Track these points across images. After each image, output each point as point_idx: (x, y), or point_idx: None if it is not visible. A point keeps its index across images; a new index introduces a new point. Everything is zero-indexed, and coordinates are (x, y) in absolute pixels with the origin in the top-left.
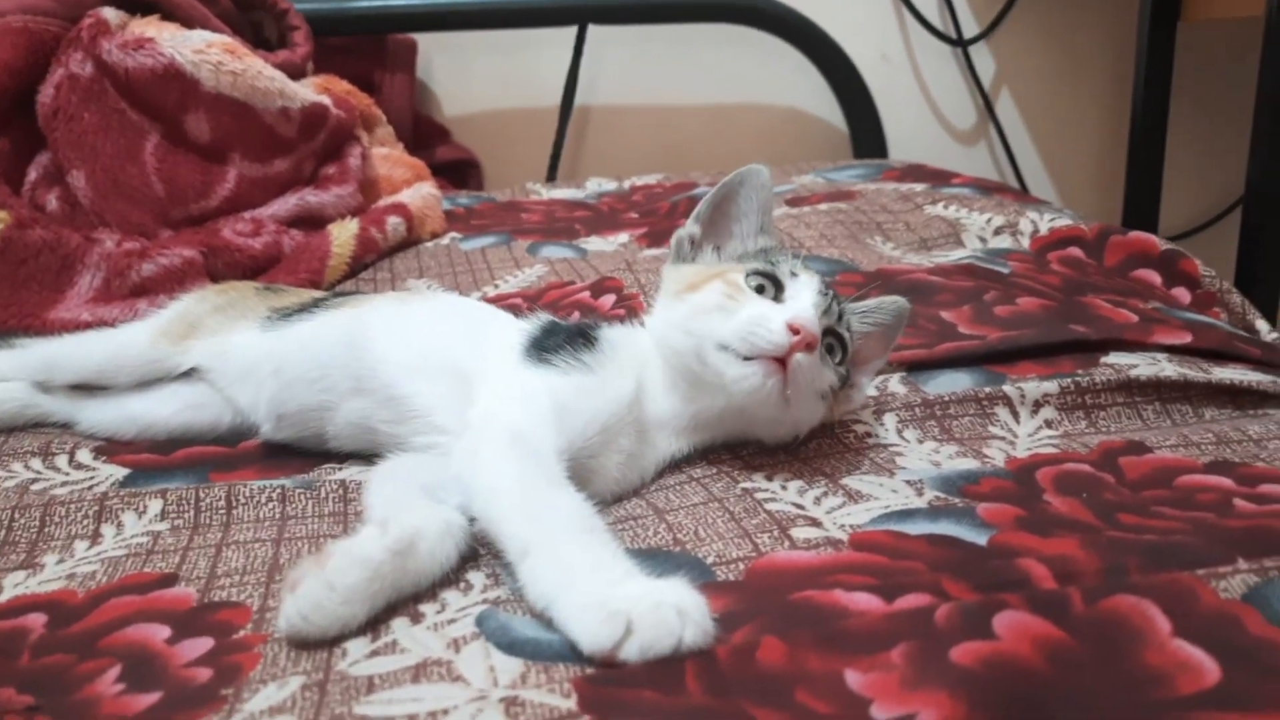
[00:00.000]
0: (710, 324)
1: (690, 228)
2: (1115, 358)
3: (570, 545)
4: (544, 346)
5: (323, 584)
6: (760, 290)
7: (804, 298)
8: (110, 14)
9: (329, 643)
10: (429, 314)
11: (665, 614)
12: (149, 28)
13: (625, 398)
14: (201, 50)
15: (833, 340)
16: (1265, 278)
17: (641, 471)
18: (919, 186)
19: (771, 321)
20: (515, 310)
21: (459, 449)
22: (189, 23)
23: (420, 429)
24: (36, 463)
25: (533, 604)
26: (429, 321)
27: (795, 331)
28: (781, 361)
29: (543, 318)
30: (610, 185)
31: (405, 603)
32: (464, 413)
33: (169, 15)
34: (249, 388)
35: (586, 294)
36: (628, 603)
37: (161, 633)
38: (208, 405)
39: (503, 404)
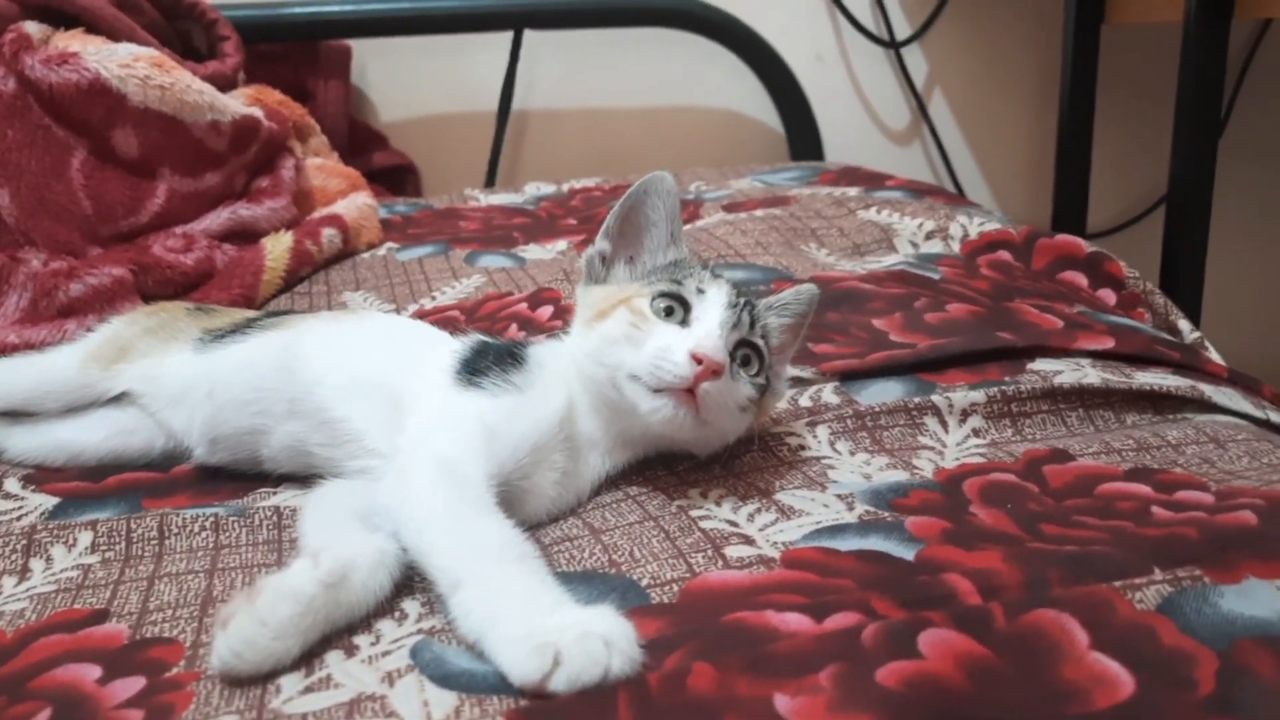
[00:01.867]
0: (619, 355)
1: (599, 244)
2: (1041, 364)
3: (499, 577)
4: (473, 368)
5: (254, 620)
6: (669, 312)
7: (710, 318)
8: (33, 28)
9: (262, 679)
10: (362, 335)
11: (592, 644)
12: (73, 41)
13: (555, 417)
14: (128, 64)
15: (748, 351)
16: (1187, 270)
17: (578, 490)
18: (853, 191)
19: (675, 354)
20: (452, 325)
21: (388, 479)
22: (114, 35)
23: (354, 453)
24: None
25: (464, 637)
26: (362, 343)
27: (699, 361)
28: (690, 391)
29: (473, 338)
30: (549, 189)
31: (340, 634)
32: (396, 437)
33: (93, 28)
34: (182, 411)
35: (524, 305)
36: (556, 634)
37: (92, 673)
38: (139, 430)
39: (431, 431)
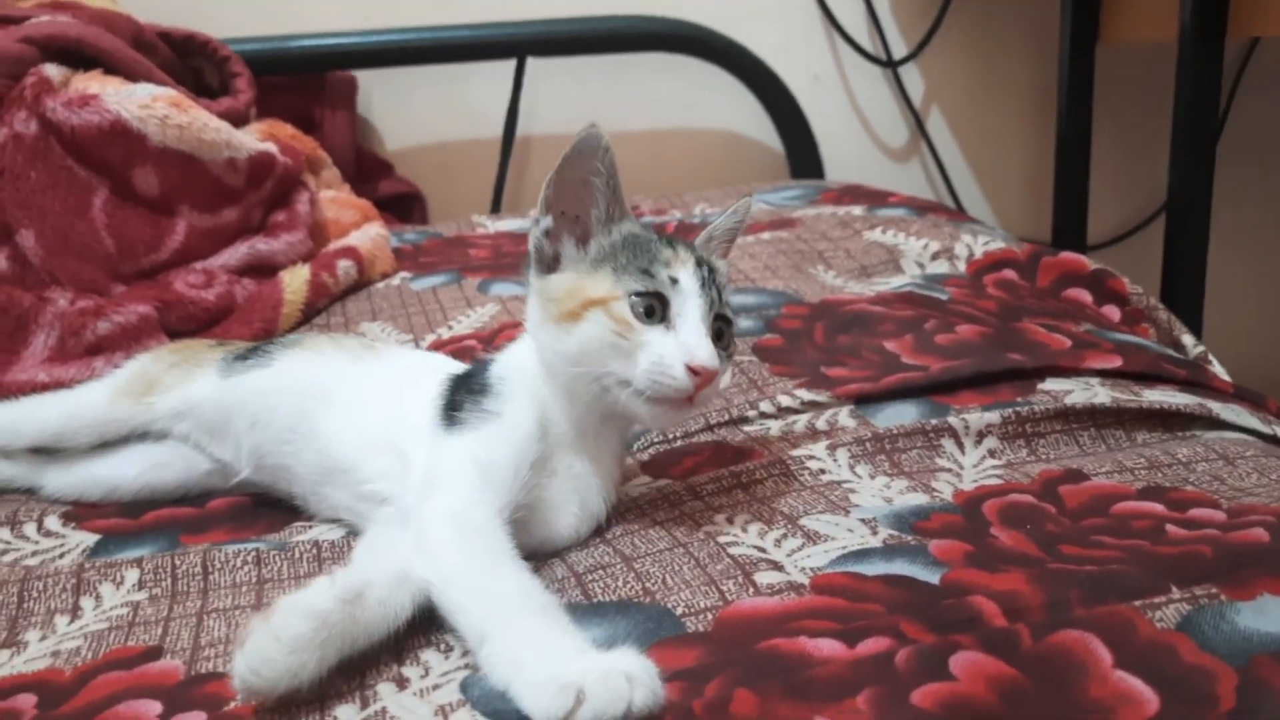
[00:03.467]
0: (607, 363)
1: (541, 221)
2: (1051, 384)
3: (521, 629)
4: (453, 405)
5: (269, 636)
6: (649, 312)
7: (692, 315)
8: (53, 71)
9: (319, 711)
10: (376, 380)
11: (614, 681)
12: (92, 83)
13: (533, 428)
14: (147, 105)
15: (721, 324)
16: (1188, 278)
17: (601, 486)
18: (856, 210)
19: (673, 370)
20: (470, 355)
21: (406, 540)
22: (132, 76)
23: (377, 506)
24: (5, 532)
25: (494, 687)
26: (374, 393)
27: (696, 372)
28: (690, 399)
29: (447, 374)
30: None
31: (386, 665)
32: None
33: (112, 69)
34: (227, 441)
35: None
36: (579, 674)
37: (153, 708)
38: (172, 463)
39: (433, 483)
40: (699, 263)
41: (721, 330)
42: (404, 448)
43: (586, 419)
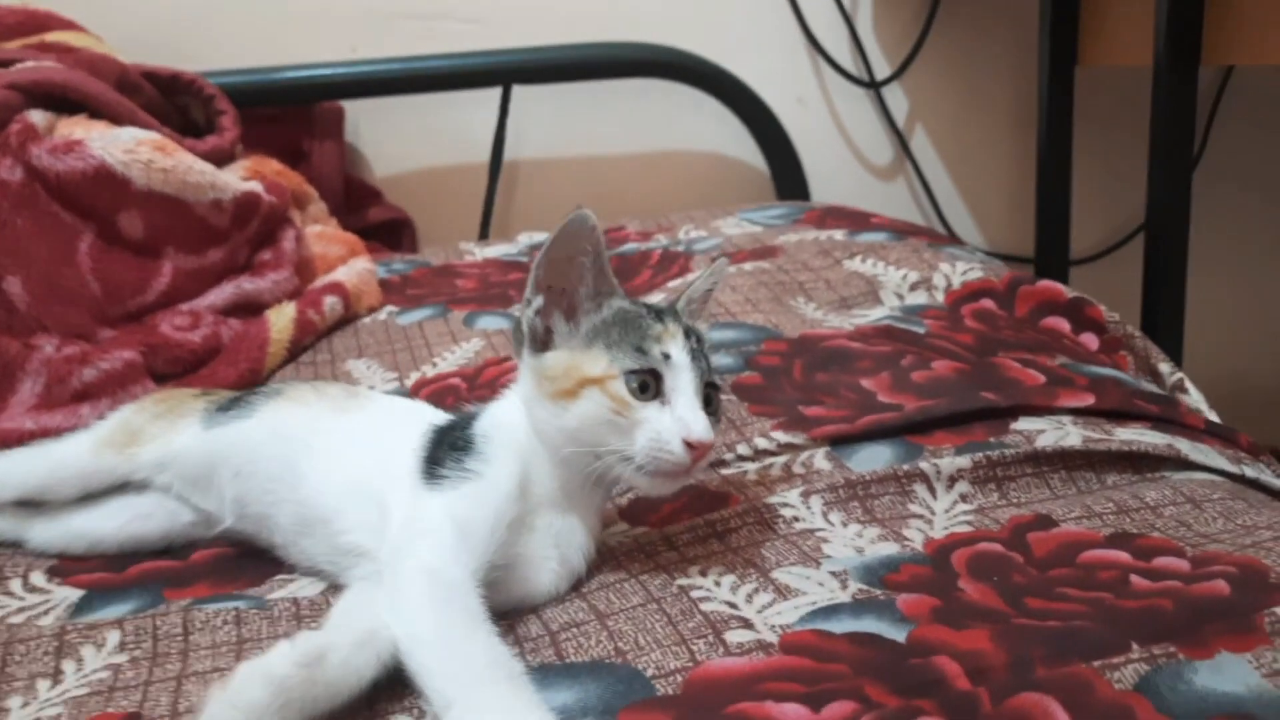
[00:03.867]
0: (606, 440)
1: (534, 301)
2: (1024, 423)
3: (487, 698)
4: (434, 460)
5: (225, 704)
6: (644, 388)
7: (686, 389)
8: (38, 117)
9: None
10: (355, 435)
11: None
12: (77, 128)
13: (513, 489)
14: (131, 149)
15: (709, 391)
16: (1167, 294)
17: (580, 543)
18: (839, 235)
19: (672, 446)
20: (454, 394)
21: (381, 596)
22: (117, 120)
23: (355, 559)
24: None
25: None
26: (356, 446)
27: (693, 447)
28: (688, 471)
29: (429, 426)
30: (541, 237)
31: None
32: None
33: (96, 113)
34: (211, 492)
35: None
36: None
37: None
38: (154, 514)
39: (410, 539)
40: (688, 333)
41: (710, 396)
42: (383, 500)
43: (573, 481)
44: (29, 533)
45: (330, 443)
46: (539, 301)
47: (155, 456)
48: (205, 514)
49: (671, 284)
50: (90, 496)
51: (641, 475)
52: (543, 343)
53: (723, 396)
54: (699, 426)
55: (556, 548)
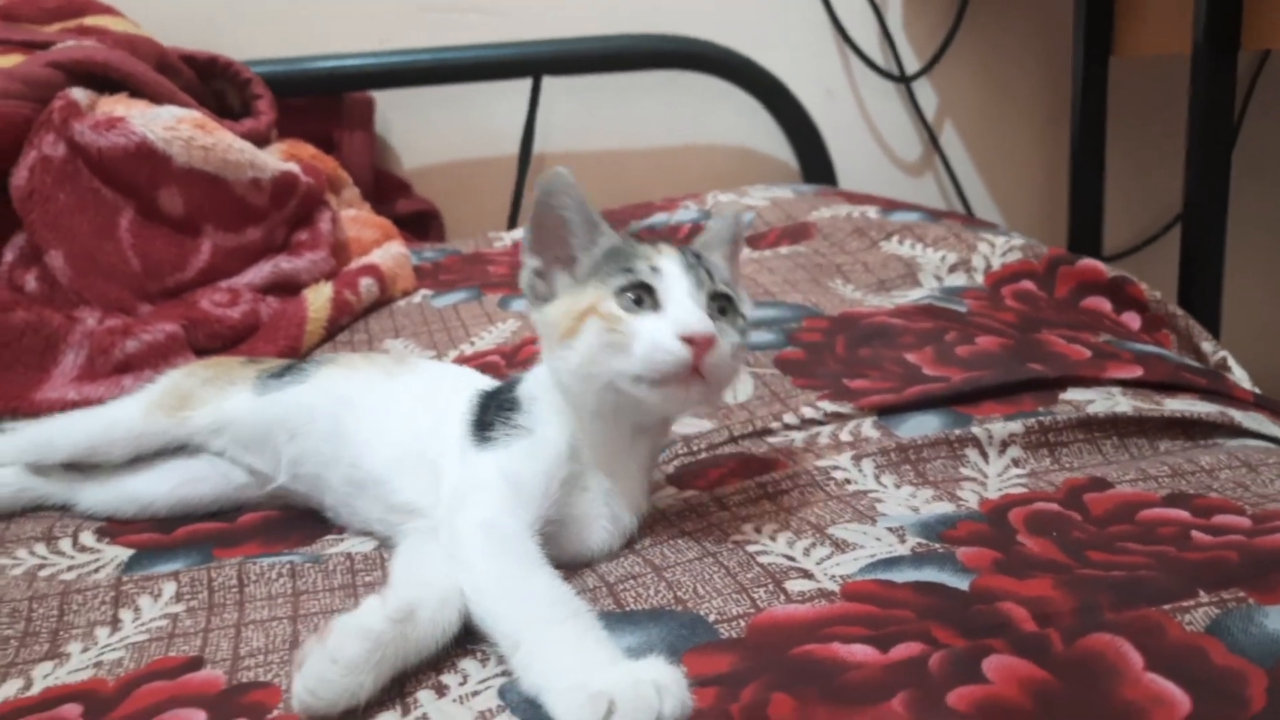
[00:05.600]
0: (610, 364)
1: (529, 263)
2: (1073, 394)
3: (553, 636)
4: (482, 423)
5: (325, 659)
6: (638, 303)
7: (678, 292)
8: (80, 94)
9: (359, 717)
10: (408, 396)
11: (644, 690)
12: (118, 106)
13: (564, 445)
14: (172, 127)
15: (721, 302)
16: (1204, 286)
17: (632, 501)
18: (871, 211)
19: (667, 344)
20: (494, 370)
21: (440, 552)
22: (157, 99)
23: (407, 515)
24: (41, 548)
25: (525, 692)
26: (406, 407)
27: (691, 341)
28: (696, 370)
29: (476, 390)
30: None
31: (425, 674)
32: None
33: (137, 92)
34: (266, 454)
35: None
36: (609, 684)
37: (197, 717)
38: (207, 477)
39: (464, 496)
40: (683, 251)
41: (724, 308)
42: (435, 460)
43: (614, 434)
44: (79, 495)
45: (382, 405)
46: (535, 262)
47: (208, 421)
48: (258, 474)
49: None
50: (140, 459)
51: (653, 390)
52: (547, 299)
53: (766, 370)
54: (692, 319)
55: (608, 505)
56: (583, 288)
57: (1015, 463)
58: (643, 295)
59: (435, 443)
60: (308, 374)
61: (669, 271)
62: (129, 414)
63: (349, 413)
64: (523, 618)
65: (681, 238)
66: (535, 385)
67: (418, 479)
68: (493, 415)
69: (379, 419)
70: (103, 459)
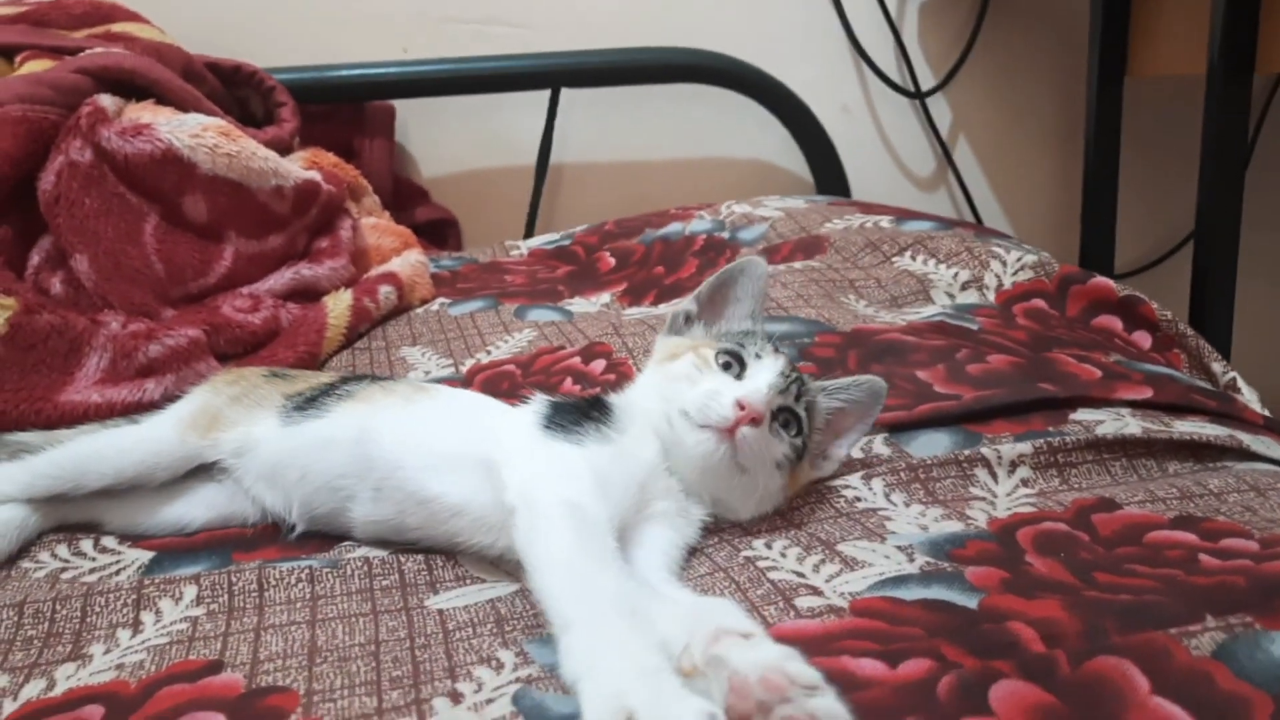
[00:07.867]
0: (677, 391)
1: (688, 305)
2: (1083, 414)
3: (607, 628)
4: (563, 423)
5: None
6: (727, 367)
7: (760, 378)
8: (107, 101)
9: None
10: (436, 411)
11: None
12: (144, 113)
13: (655, 457)
14: (198, 134)
15: (789, 416)
16: (1217, 305)
17: (685, 534)
18: (884, 221)
19: (723, 396)
20: (509, 379)
21: (515, 527)
22: (183, 106)
23: (456, 529)
24: (63, 549)
25: (564, 676)
26: (436, 421)
27: (742, 407)
28: (731, 431)
29: (543, 398)
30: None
31: (439, 680)
32: (501, 496)
33: (163, 99)
34: (278, 491)
35: (577, 359)
36: (639, 701)
37: None
38: (235, 502)
39: (545, 477)
40: (792, 367)
41: (789, 421)
42: (489, 456)
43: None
44: (105, 516)
45: (405, 425)
46: (692, 306)
47: (236, 444)
48: (274, 516)
49: None
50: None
51: (691, 430)
52: (677, 332)
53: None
54: (752, 394)
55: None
56: (704, 338)
57: (1024, 482)
58: (733, 364)
59: (486, 446)
60: (328, 409)
61: (766, 364)
62: (165, 438)
63: (370, 438)
64: (584, 601)
65: (697, 249)
66: (629, 401)
67: (465, 481)
68: (578, 417)
69: (406, 435)
70: (145, 484)
